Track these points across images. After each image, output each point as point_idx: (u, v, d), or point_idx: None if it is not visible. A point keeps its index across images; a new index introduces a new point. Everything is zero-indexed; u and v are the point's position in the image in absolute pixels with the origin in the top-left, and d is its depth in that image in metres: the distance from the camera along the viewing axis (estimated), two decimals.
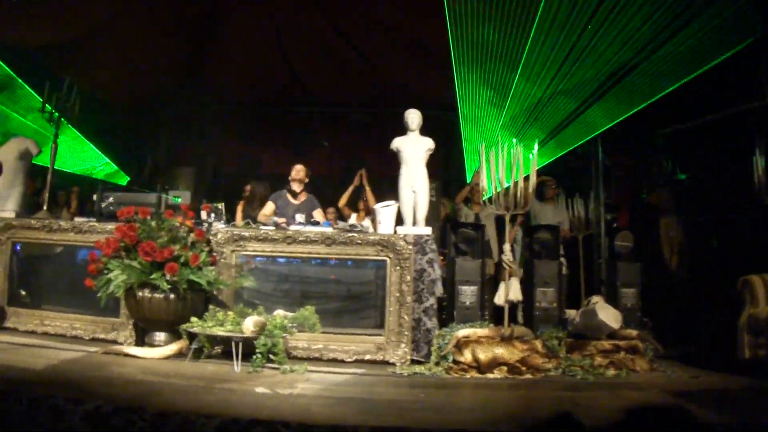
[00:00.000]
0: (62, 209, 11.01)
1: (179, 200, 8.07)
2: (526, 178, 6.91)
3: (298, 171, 8.76)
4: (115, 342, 6.98)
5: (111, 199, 7.81)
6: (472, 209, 9.61)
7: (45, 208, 8.56)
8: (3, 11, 9.22)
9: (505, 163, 6.84)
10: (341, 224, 8.21)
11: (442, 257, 8.06)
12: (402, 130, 7.67)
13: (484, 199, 7.04)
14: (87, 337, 7.21)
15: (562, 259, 8.82)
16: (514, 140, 6.94)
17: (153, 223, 6.55)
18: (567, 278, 9.03)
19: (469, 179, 10.61)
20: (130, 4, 10.19)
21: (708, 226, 9.09)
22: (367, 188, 9.57)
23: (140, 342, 6.87)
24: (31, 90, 10.34)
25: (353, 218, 9.56)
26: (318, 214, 8.45)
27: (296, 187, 8.75)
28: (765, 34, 7.41)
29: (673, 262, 9.36)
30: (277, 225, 7.50)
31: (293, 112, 13.79)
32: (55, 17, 9.77)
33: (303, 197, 8.75)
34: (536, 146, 7.17)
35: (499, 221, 8.82)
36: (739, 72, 7.96)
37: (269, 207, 8.72)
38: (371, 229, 7.66)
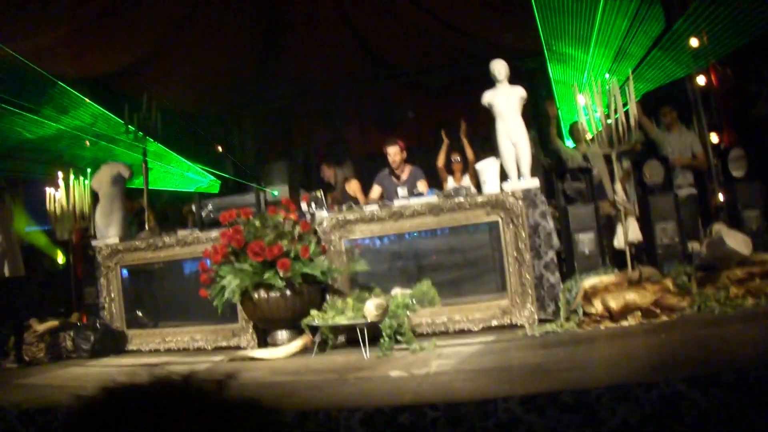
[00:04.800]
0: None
1: (277, 194, 8.03)
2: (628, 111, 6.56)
3: (393, 156, 8.57)
4: (238, 347, 7.01)
5: (210, 207, 7.80)
6: (578, 150, 9.20)
7: (147, 227, 8.64)
8: (77, 44, 9.34)
9: (601, 99, 6.51)
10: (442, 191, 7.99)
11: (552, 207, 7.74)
12: (486, 84, 7.37)
13: (587, 138, 6.69)
14: (209, 347, 7.27)
15: (692, 189, 8.48)
16: (607, 75, 6.60)
17: (257, 223, 6.47)
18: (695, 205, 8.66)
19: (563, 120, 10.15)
20: (193, 14, 10.20)
21: None
22: (465, 142, 9.29)
23: (262, 343, 6.87)
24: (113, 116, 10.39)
25: (451, 181, 9.28)
26: (422, 185, 8.23)
27: (397, 170, 8.61)
28: None
29: None
30: (382, 203, 7.32)
31: (373, 88, 13.64)
32: (124, 41, 9.85)
33: (406, 173, 8.60)
34: (631, 75, 6.78)
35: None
36: None
37: (376, 191, 8.63)
38: (472, 188, 7.42)
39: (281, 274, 6.14)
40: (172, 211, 11.71)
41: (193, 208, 8.13)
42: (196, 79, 11.40)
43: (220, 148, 13.26)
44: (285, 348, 6.29)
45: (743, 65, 9.46)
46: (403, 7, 11.08)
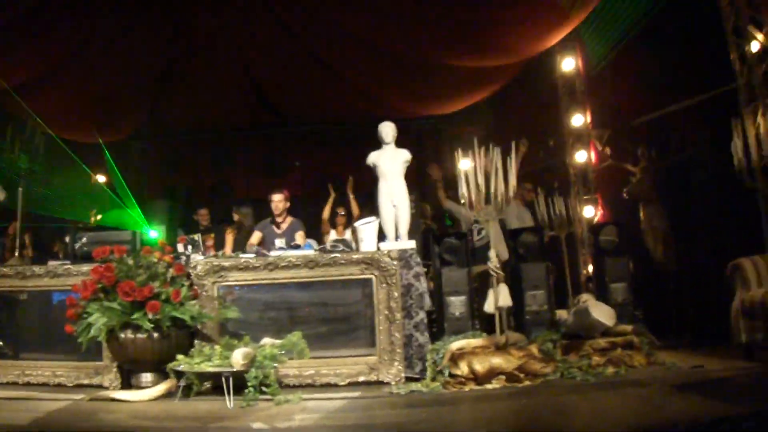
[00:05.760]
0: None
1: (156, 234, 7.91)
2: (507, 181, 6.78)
3: (277, 203, 8.55)
4: (100, 387, 6.76)
5: (84, 240, 7.59)
6: (470, 211, 9.38)
7: (17, 254, 8.35)
8: None
9: (482, 168, 6.72)
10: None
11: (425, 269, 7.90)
12: (376, 144, 7.53)
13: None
14: (71, 384, 6.96)
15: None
16: (491, 144, 6.81)
17: (130, 262, 6.35)
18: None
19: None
20: (92, 41, 10.01)
21: (692, 212, 8.98)
22: (352, 197, 9.40)
23: (126, 384, 6.65)
24: None
25: (333, 234, 9.36)
26: (299, 237, 8.26)
27: (279, 218, 8.59)
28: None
29: (658, 252, 9.25)
30: (258, 252, 7.31)
31: (263, 135, 13.65)
32: (16, 57, 9.56)
33: (287, 224, 8.59)
34: (514, 148, 7.03)
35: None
36: (713, 55, 7.91)
37: (256, 236, 8.59)
38: (353, 243, 7.52)
39: (150, 316, 6.02)
40: (49, 239, 11.30)
41: (67, 239, 7.91)
42: (84, 105, 11.15)
43: (101, 179, 12.90)
44: (148, 391, 6.13)
45: (621, 146, 9.96)
46: (302, 59, 11.18)
